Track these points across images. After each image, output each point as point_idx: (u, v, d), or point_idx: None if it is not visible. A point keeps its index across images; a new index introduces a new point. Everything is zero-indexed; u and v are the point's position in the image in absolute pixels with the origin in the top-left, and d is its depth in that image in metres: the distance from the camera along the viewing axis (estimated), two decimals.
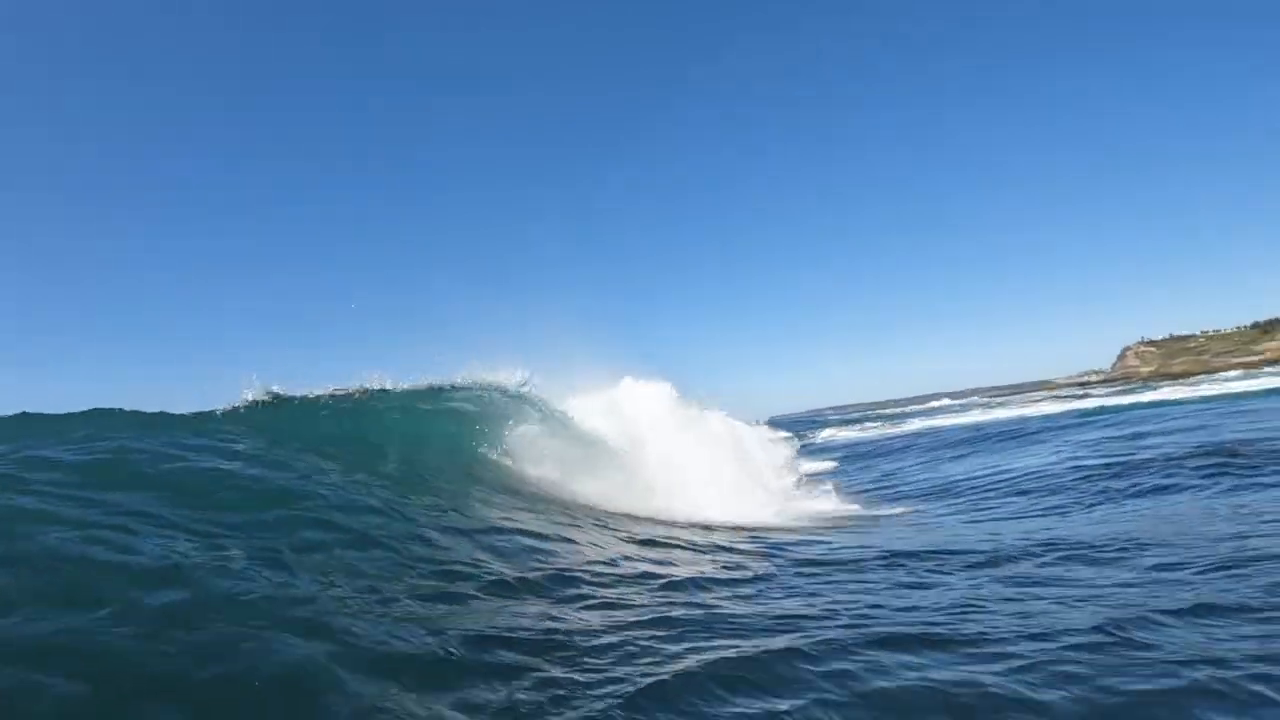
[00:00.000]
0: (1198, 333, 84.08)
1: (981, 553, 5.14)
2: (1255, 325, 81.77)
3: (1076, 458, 11.66)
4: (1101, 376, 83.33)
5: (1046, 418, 25.01)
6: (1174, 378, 59.77)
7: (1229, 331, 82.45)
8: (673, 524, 7.07)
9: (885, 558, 5.23)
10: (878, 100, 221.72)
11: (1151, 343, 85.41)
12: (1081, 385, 69.28)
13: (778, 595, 4.31)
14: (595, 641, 3.22)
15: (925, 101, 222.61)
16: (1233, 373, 51.35)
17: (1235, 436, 11.42)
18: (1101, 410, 25.37)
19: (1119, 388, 50.93)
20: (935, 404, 58.57)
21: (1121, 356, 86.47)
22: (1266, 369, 53.32)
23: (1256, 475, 7.75)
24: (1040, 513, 7.40)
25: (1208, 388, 32.12)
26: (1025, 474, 10.57)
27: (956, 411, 41.84)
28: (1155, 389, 37.42)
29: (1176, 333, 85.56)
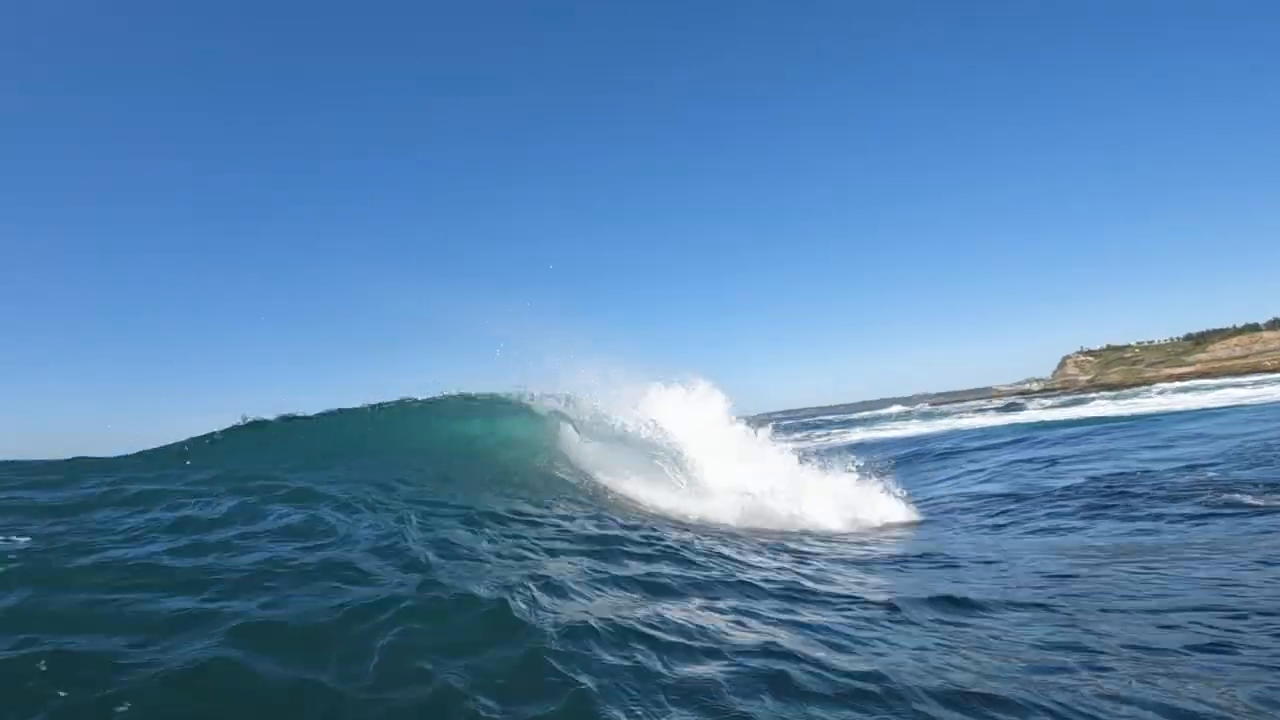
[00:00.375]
0: (1133, 343, 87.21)
1: (851, 558, 6.14)
2: (1188, 337, 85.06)
3: (979, 485, 11.72)
4: (1041, 385, 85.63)
5: (979, 431, 25.74)
6: (1110, 388, 61.71)
7: (1162, 343, 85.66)
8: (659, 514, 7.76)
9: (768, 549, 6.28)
10: (878, 100, 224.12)
11: (1090, 352, 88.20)
12: (1022, 394, 70.96)
13: (644, 562, 5.20)
14: (527, 557, 4.65)
15: (925, 101, 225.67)
16: (1170, 384, 53.15)
17: (1140, 467, 11.39)
18: (1034, 426, 25.92)
19: (1056, 399, 52.17)
20: (884, 411, 59.49)
21: (1061, 365, 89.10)
22: (1197, 380, 55.37)
23: (1130, 515, 7.67)
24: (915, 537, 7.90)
25: (1139, 403, 33.07)
26: (926, 501, 10.54)
27: (899, 420, 42.95)
28: (1088, 402, 38.44)
29: (1113, 342, 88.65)
